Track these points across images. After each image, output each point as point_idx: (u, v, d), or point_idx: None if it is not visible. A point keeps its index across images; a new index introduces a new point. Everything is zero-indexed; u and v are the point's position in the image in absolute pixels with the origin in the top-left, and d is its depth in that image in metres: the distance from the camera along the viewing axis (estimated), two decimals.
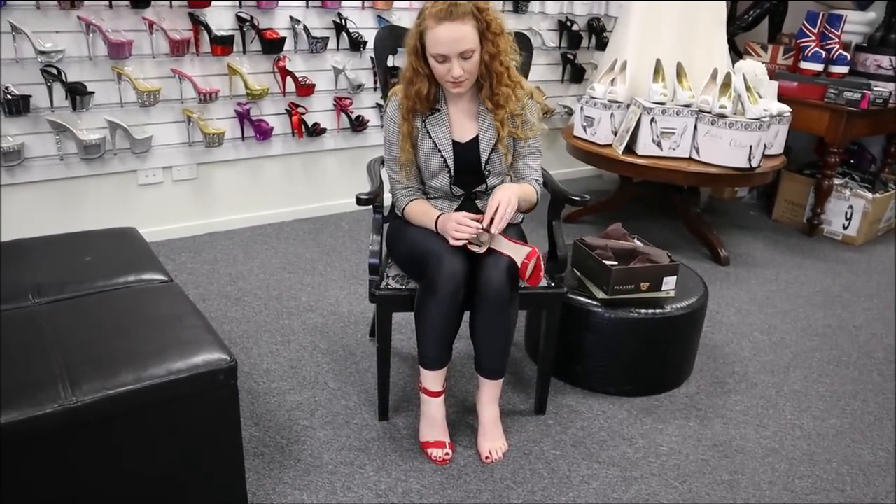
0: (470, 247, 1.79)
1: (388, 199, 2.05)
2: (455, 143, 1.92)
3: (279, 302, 2.75)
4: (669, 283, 2.21)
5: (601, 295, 2.19)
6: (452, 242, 1.78)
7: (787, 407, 2.26)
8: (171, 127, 3.11)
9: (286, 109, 3.36)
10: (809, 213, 3.83)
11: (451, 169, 1.93)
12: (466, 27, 1.75)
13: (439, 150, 1.91)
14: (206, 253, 3.16)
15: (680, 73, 3.28)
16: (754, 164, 3.10)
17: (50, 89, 2.74)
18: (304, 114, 3.39)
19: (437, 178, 1.96)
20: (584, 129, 3.49)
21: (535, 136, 1.96)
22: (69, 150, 2.89)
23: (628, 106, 3.35)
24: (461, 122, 1.93)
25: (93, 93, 2.82)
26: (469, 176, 1.96)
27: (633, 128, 3.24)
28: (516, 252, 1.80)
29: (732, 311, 2.89)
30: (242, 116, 3.24)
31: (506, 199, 1.76)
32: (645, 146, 3.24)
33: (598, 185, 4.46)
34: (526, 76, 2.24)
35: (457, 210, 1.96)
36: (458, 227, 1.76)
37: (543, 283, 1.99)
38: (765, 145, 3.16)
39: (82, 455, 1.35)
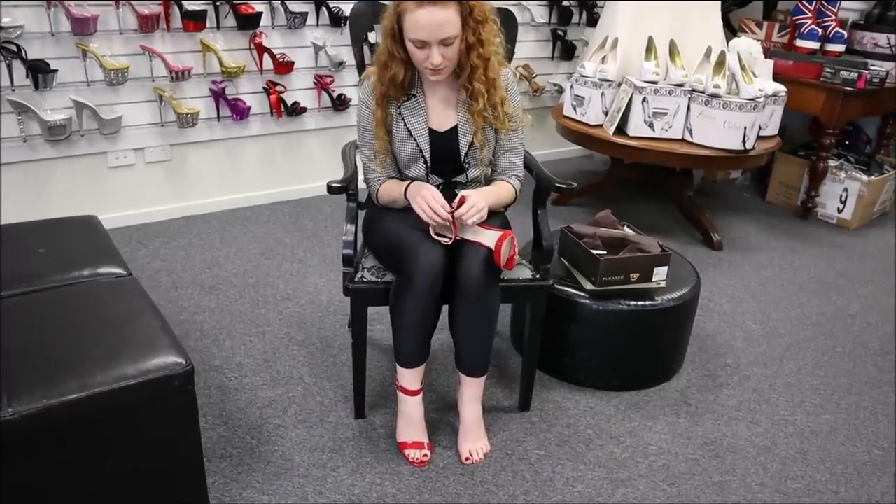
0: (436, 237, 1.69)
1: (363, 185, 1.94)
2: (432, 132, 1.81)
3: (255, 290, 2.64)
4: (660, 273, 2.11)
5: (589, 286, 2.09)
6: (420, 215, 1.68)
7: (780, 401, 2.18)
8: (141, 106, 2.97)
9: (264, 88, 3.23)
10: (804, 195, 3.74)
11: (428, 159, 1.82)
12: (449, 12, 1.62)
13: (415, 140, 1.80)
14: (180, 238, 3.04)
15: (673, 51, 3.15)
16: (749, 145, 3.00)
17: (9, 67, 2.59)
18: (282, 92, 3.25)
19: (413, 168, 1.84)
20: (574, 109, 3.37)
21: (518, 129, 1.85)
22: (33, 131, 2.75)
23: (619, 85, 3.23)
24: (439, 111, 1.81)
25: (56, 71, 2.68)
26: (447, 165, 1.85)
27: (624, 108, 3.12)
28: (488, 238, 1.69)
29: (725, 298, 2.80)
30: (217, 95, 3.10)
31: (480, 203, 1.68)
32: (636, 127, 3.12)
33: (589, 166, 4.34)
34: (510, 58, 2.12)
35: None
36: (430, 203, 1.65)
37: (528, 274, 1.90)
38: (759, 126, 3.06)
39: (23, 468, 1.25)
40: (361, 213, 1.97)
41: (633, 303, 2.07)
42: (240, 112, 3.16)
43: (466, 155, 1.82)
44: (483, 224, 1.72)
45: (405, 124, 1.80)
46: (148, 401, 1.33)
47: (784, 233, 3.51)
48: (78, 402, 1.25)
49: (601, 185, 3.80)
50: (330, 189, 1.78)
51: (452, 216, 1.67)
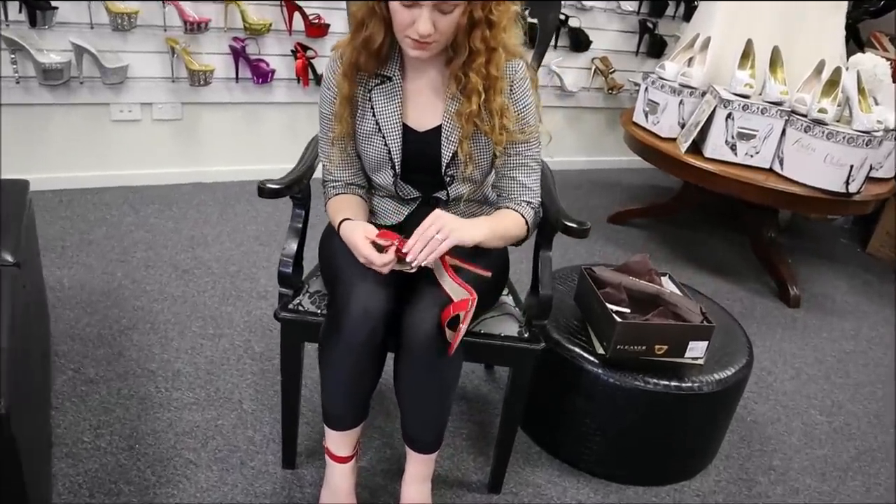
0: (395, 266, 1.27)
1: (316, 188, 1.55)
2: (408, 130, 1.39)
3: (232, 282, 2.31)
4: (697, 348, 1.63)
5: (600, 350, 1.64)
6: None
7: None
8: (151, 58, 2.67)
9: (291, 51, 2.87)
10: None
11: (397, 165, 1.40)
12: None
13: (383, 136, 1.38)
14: (177, 207, 2.75)
15: (775, 60, 2.59)
16: (852, 189, 2.42)
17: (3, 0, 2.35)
18: (312, 58, 2.89)
19: (379, 174, 1.43)
20: (646, 116, 2.87)
21: (530, 142, 1.40)
22: (28, 72, 2.50)
23: (703, 94, 2.70)
24: (422, 103, 1.38)
25: (56, 8, 2.41)
26: (425, 175, 1.42)
27: (703, 122, 2.59)
28: (455, 293, 1.26)
29: (789, 373, 2.27)
30: (237, 54, 2.77)
31: (444, 228, 1.24)
32: (715, 148, 2.60)
33: (663, 182, 3.79)
34: (545, 47, 1.67)
35: (409, 218, 1.44)
36: (363, 251, 1.25)
37: (514, 330, 1.46)
38: (871, 166, 2.47)
39: None
40: None
41: (654, 381, 1.60)
42: (262, 75, 2.82)
43: (448, 166, 1.40)
44: (457, 278, 1.27)
45: (374, 114, 1.38)
46: None
47: (882, 296, 2.90)
48: None
49: (669, 208, 3.28)
50: (261, 191, 1.39)
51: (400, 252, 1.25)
